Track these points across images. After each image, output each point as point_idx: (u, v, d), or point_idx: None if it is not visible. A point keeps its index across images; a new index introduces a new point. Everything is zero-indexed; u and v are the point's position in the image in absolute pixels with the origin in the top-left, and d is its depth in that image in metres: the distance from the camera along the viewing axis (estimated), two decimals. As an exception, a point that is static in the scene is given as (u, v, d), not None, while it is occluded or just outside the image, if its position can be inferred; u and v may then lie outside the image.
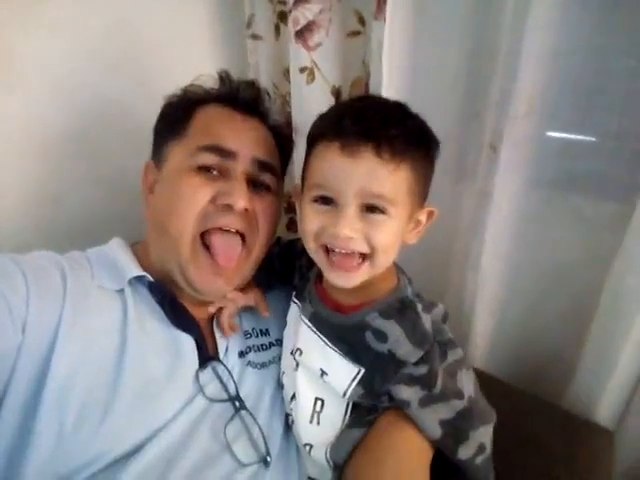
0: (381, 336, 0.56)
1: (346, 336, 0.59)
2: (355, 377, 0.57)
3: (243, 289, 0.73)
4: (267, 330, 0.77)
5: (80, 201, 0.94)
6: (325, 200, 0.56)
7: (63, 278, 0.60)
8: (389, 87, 0.80)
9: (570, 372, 0.82)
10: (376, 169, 0.52)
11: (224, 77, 0.76)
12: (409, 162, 0.54)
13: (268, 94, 0.78)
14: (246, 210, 0.66)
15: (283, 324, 0.73)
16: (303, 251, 0.72)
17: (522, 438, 0.74)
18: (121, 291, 0.64)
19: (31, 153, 0.87)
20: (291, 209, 1.16)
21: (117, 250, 0.70)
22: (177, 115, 0.71)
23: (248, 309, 0.75)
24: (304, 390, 0.63)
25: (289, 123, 0.95)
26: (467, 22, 0.76)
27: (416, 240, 0.62)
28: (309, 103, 0.87)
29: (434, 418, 0.55)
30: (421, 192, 0.58)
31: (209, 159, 0.66)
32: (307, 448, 0.62)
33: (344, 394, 0.58)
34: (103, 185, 0.96)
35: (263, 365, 0.72)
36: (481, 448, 0.56)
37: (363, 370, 0.57)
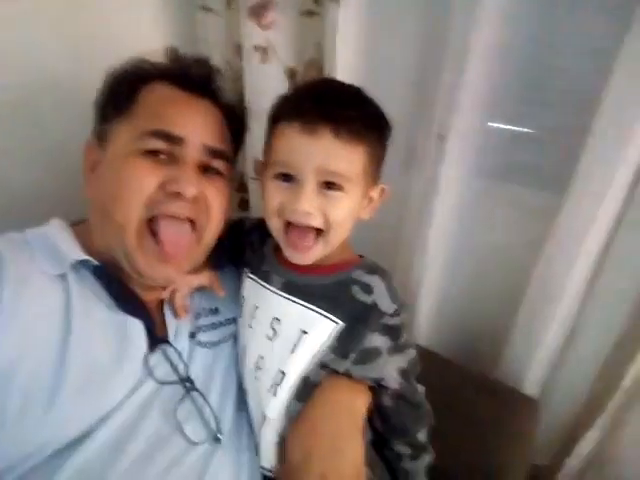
0: (368, 289, 0.62)
1: (329, 293, 0.63)
2: (332, 332, 0.61)
3: (197, 270, 0.73)
4: (217, 309, 0.76)
5: (15, 177, 0.88)
6: (286, 177, 0.59)
7: (0, 261, 0.57)
8: (343, 71, 0.80)
9: (502, 347, 0.90)
10: (334, 148, 0.56)
11: (173, 55, 0.72)
12: (365, 143, 0.58)
13: (220, 71, 0.75)
14: (195, 198, 0.64)
15: (234, 302, 0.73)
16: (252, 229, 0.75)
17: (456, 408, 0.81)
18: (63, 275, 0.62)
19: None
20: (243, 189, 1.14)
21: (58, 232, 0.67)
22: (121, 91, 0.67)
23: (199, 289, 0.75)
24: (271, 360, 0.64)
25: (242, 101, 0.93)
26: (419, 12, 0.78)
27: (369, 215, 0.67)
28: (263, 83, 0.86)
29: (395, 367, 0.63)
30: (374, 171, 0.63)
31: (156, 144, 0.63)
32: (262, 420, 0.65)
33: (317, 353, 0.62)
34: (40, 160, 0.90)
35: (214, 344, 0.72)
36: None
37: (341, 324, 0.61)
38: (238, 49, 0.94)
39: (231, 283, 0.76)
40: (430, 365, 0.87)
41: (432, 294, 0.94)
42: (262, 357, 0.65)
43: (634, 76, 0.63)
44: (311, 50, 0.88)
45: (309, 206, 0.57)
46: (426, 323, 0.97)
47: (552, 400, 0.90)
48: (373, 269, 0.64)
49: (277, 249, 0.68)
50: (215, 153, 0.68)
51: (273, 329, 0.65)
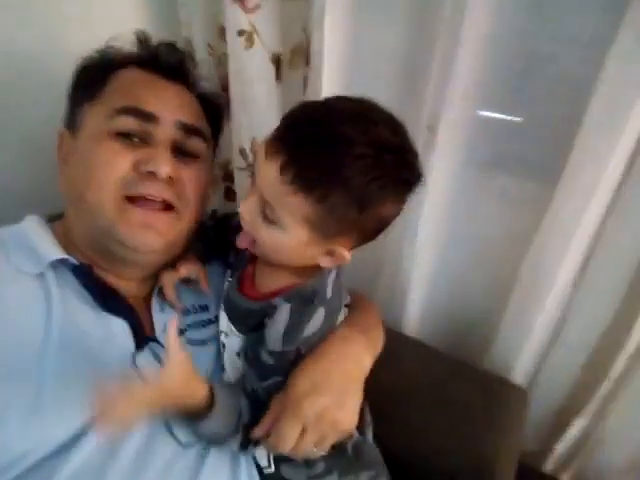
0: (272, 313, 0.57)
1: (245, 318, 0.61)
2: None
3: (183, 259, 0.71)
4: (206, 306, 0.75)
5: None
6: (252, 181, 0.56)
7: None
8: (330, 57, 0.78)
9: (491, 337, 0.90)
10: (278, 185, 0.49)
11: (141, 38, 0.69)
12: (311, 198, 0.49)
13: (192, 58, 0.73)
14: (170, 178, 0.62)
15: (219, 301, 0.72)
16: (238, 227, 0.72)
17: (446, 399, 0.82)
18: (41, 275, 0.59)
19: None
20: (228, 178, 1.12)
21: (34, 229, 0.64)
22: (92, 78, 0.65)
23: (187, 284, 0.73)
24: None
25: (225, 86, 0.90)
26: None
27: (329, 266, 0.57)
28: (248, 70, 0.83)
29: None
30: (328, 230, 0.53)
31: (128, 122, 0.61)
32: None
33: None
34: (13, 153, 0.86)
35: (202, 342, 0.70)
36: None
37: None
38: (221, 33, 0.90)
39: (218, 280, 0.74)
40: (419, 356, 0.88)
41: (421, 285, 0.94)
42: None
43: (626, 66, 0.62)
44: (297, 35, 0.85)
45: (248, 216, 0.55)
46: (416, 314, 0.97)
47: (540, 388, 0.92)
48: (294, 297, 0.57)
49: (250, 258, 0.66)
50: (190, 130, 0.66)
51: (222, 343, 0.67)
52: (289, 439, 0.54)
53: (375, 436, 0.70)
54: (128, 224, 0.61)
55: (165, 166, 0.60)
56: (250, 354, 0.60)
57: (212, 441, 0.59)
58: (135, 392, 0.48)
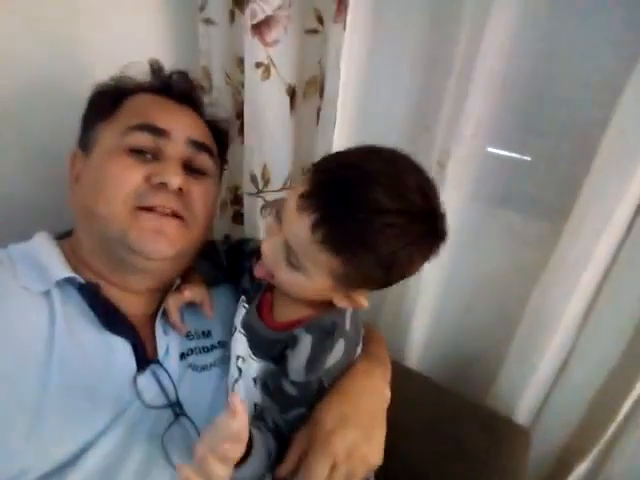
0: (293, 344, 0.57)
1: (266, 347, 0.61)
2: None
3: (189, 283, 0.71)
4: (209, 332, 0.74)
5: (2, 186, 0.85)
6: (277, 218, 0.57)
7: None
8: (344, 91, 0.80)
9: (494, 373, 0.89)
10: (307, 238, 0.50)
11: (155, 68, 0.73)
12: (341, 257, 0.50)
13: (202, 87, 0.77)
14: (180, 190, 0.63)
15: (226, 326, 0.71)
16: (251, 253, 0.72)
17: (445, 435, 0.80)
18: (47, 293, 0.60)
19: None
20: (237, 201, 1.13)
21: (43, 247, 0.65)
22: (107, 101, 0.68)
23: (191, 308, 0.72)
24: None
25: (240, 113, 0.92)
26: (425, 36, 0.78)
27: (346, 306, 0.59)
28: (263, 100, 0.85)
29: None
30: (352, 283, 0.54)
31: (141, 138, 0.63)
32: None
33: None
34: (30, 170, 0.87)
35: (204, 368, 0.70)
36: None
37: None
38: (239, 62, 0.93)
39: (225, 305, 0.74)
40: (422, 391, 0.87)
41: (425, 319, 0.94)
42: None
43: (638, 110, 0.63)
44: (312, 68, 0.87)
45: (271, 256, 0.56)
46: (418, 348, 0.96)
47: (544, 427, 0.90)
48: (315, 328, 0.57)
49: (269, 286, 0.66)
50: (200, 147, 0.68)
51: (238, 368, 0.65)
52: (320, 475, 0.52)
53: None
54: (140, 230, 0.62)
55: (176, 177, 0.62)
56: (272, 385, 0.59)
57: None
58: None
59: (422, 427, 0.80)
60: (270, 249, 0.56)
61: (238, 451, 0.47)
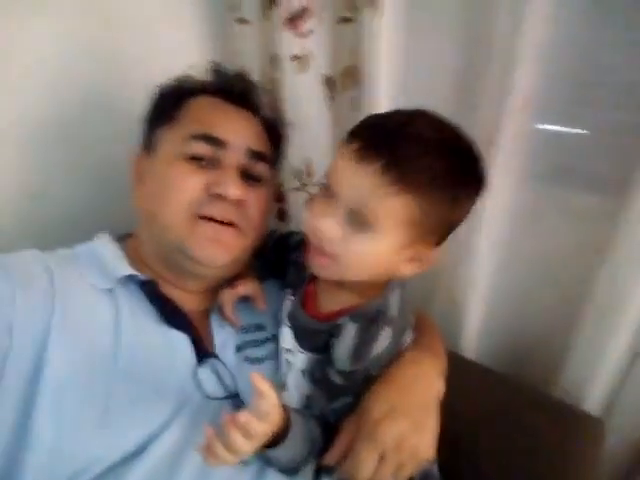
0: (337, 333, 0.57)
1: (313, 338, 0.61)
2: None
3: (242, 278, 0.72)
4: (262, 325, 0.75)
5: (62, 195, 0.90)
6: (326, 191, 0.56)
7: (50, 277, 0.58)
8: (383, 77, 0.78)
9: (560, 360, 0.84)
10: (377, 185, 0.50)
11: (215, 69, 0.74)
12: (419, 196, 0.51)
13: (261, 87, 0.77)
14: (238, 200, 0.65)
15: (277, 319, 0.72)
16: (297, 245, 0.72)
17: (513, 426, 0.77)
18: (111, 290, 0.63)
19: (8, 145, 0.82)
20: (281, 199, 1.14)
21: (105, 247, 0.68)
22: (169, 104, 0.70)
23: (244, 302, 0.73)
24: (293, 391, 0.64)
25: (279, 112, 0.92)
26: (464, 13, 0.75)
27: (412, 274, 0.58)
28: (300, 93, 0.85)
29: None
30: (430, 232, 0.55)
31: (201, 148, 0.65)
32: None
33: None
34: (86, 176, 0.92)
35: (259, 360, 0.71)
36: None
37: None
38: (274, 60, 0.93)
39: (274, 299, 0.75)
40: (482, 381, 0.84)
41: (481, 304, 0.90)
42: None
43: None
44: (347, 57, 0.86)
45: (334, 231, 0.53)
46: (474, 335, 0.92)
47: (617, 418, 0.83)
48: (359, 316, 0.57)
49: (312, 277, 0.66)
50: (258, 156, 0.69)
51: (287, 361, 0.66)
52: (367, 466, 0.51)
53: (437, 460, 0.66)
54: (198, 238, 0.64)
55: (235, 189, 0.63)
56: (318, 375, 0.59)
57: (285, 469, 0.57)
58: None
59: (485, 419, 0.77)
60: (330, 226, 0.54)
61: (262, 429, 0.48)
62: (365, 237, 0.53)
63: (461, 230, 0.83)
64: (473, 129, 0.76)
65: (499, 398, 0.76)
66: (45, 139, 0.86)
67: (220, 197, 0.63)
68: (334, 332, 0.57)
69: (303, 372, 0.62)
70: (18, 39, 0.79)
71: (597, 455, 0.73)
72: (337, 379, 0.57)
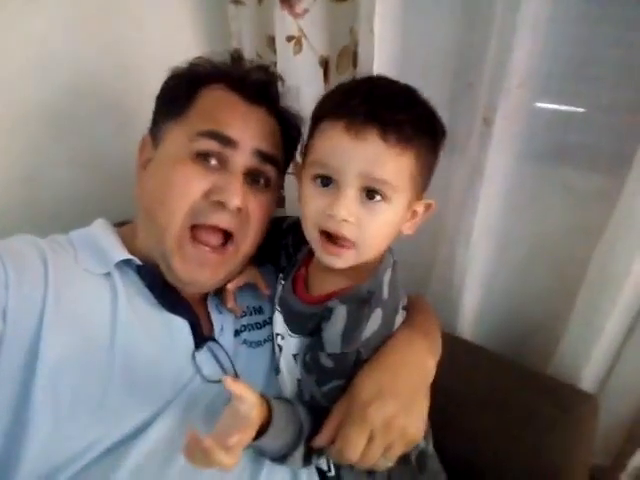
0: (328, 316, 0.57)
1: (303, 321, 0.61)
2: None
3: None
4: (261, 308, 0.76)
5: (57, 181, 0.90)
6: (325, 180, 0.55)
7: (44, 262, 0.58)
8: (379, 57, 0.77)
9: (555, 340, 0.85)
10: (380, 153, 0.51)
11: (236, 57, 0.71)
12: (414, 149, 0.53)
13: (282, 79, 0.73)
14: (239, 209, 0.63)
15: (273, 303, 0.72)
16: (288, 230, 0.73)
17: (508, 406, 0.78)
18: (108, 274, 0.62)
19: (3, 130, 0.82)
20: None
21: (102, 232, 0.68)
22: (181, 90, 0.67)
23: (244, 287, 0.74)
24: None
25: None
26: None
27: (412, 231, 0.61)
28: (297, 75, 0.84)
29: None
30: (422, 181, 0.58)
31: (208, 145, 0.63)
32: None
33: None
34: (81, 163, 0.91)
35: (258, 344, 0.71)
36: None
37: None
38: (270, 41, 0.92)
39: (271, 283, 0.75)
40: (478, 361, 0.84)
41: (477, 286, 0.90)
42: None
43: None
44: (344, 38, 0.85)
45: (347, 213, 0.53)
46: (472, 316, 0.93)
47: (611, 396, 0.84)
48: (350, 299, 0.57)
49: (305, 261, 0.66)
50: (267, 158, 0.67)
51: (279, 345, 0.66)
52: (356, 447, 0.52)
53: (435, 442, 0.67)
54: (184, 258, 0.63)
55: (235, 198, 0.61)
56: (308, 359, 0.59)
57: (274, 457, 0.57)
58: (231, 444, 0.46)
59: (481, 399, 0.78)
60: (346, 208, 0.53)
61: (245, 440, 0.48)
62: (381, 208, 0.54)
63: (457, 211, 0.85)
64: (470, 108, 0.77)
65: (493, 378, 0.77)
66: (40, 126, 0.85)
67: (220, 204, 0.62)
68: (324, 315, 0.57)
69: (294, 356, 0.62)
70: (14, 27, 0.78)
71: (590, 431, 0.74)
72: (328, 362, 0.56)
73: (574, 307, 0.79)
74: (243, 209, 0.64)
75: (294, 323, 0.63)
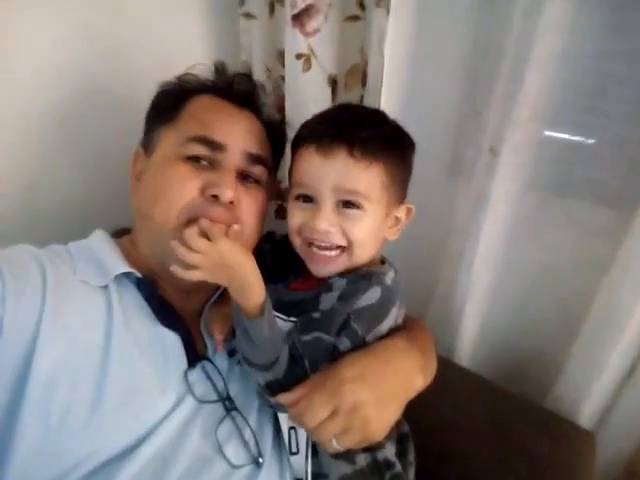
0: (329, 288, 0.61)
1: (303, 304, 0.62)
2: None
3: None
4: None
5: (60, 186, 0.89)
6: (306, 198, 0.62)
7: (42, 273, 0.57)
8: (389, 77, 0.77)
9: (555, 372, 0.84)
10: (349, 167, 0.58)
11: (219, 68, 0.74)
12: (381, 161, 0.59)
13: (264, 87, 0.77)
14: (232, 202, 0.64)
15: None
16: (269, 238, 0.77)
17: (505, 438, 0.76)
18: (105, 287, 0.62)
19: (6, 135, 0.81)
20: (279, 196, 1.12)
21: (101, 244, 0.67)
22: (169, 102, 0.69)
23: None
24: None
25: (282, 108, 0.91)
26: (474, 18, 0.74)
27: (397, 236, 0.67)
28: (304, 92, 0.84)
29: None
30: (397, 190, 0.63)
31: (198, 150, 0.65)
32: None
33: None
34: (83, 170, 0.91)
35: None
36: None
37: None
38: (280, 56, 0.92)
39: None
40: (477, 390, 0.83)
41: (477, 313, 0.89)
42: None
43: None
44: (353, 57, 0.85)
45: (327, 225, 0.59)
46: (470, 344, 0.92)
47: (609, 432, 0.83)
48: (348, 275, 0.61)
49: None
50: (255, 159, 0.69)
51: None
52: (316, 414, 0.52)
53: (427, 471, 0.66)
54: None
55: (228, 190, 0.63)
56: (297, 311, 0.62)
57: (249, 362, 0.58)
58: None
59: (478, 429, 0.76)
60: (326, 221, 0.59)
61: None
62: (359, 216, 0.60)
63: (460, 237, 0.84)
64: (477, 136, 0.76)
65: (491, 408, 0.76)
66: (43, 133, 0.85)
67: (215, 199, 0.63)
68: (323, 290, 0.60)
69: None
70: (20, 30, 0.78)
71: (587, 468, 0.73)
72: (316, 314, 0.59)
73: (576, 341, 0.78)
74: (236, 203, 0.65)
75: (292, 311, 0.63)
